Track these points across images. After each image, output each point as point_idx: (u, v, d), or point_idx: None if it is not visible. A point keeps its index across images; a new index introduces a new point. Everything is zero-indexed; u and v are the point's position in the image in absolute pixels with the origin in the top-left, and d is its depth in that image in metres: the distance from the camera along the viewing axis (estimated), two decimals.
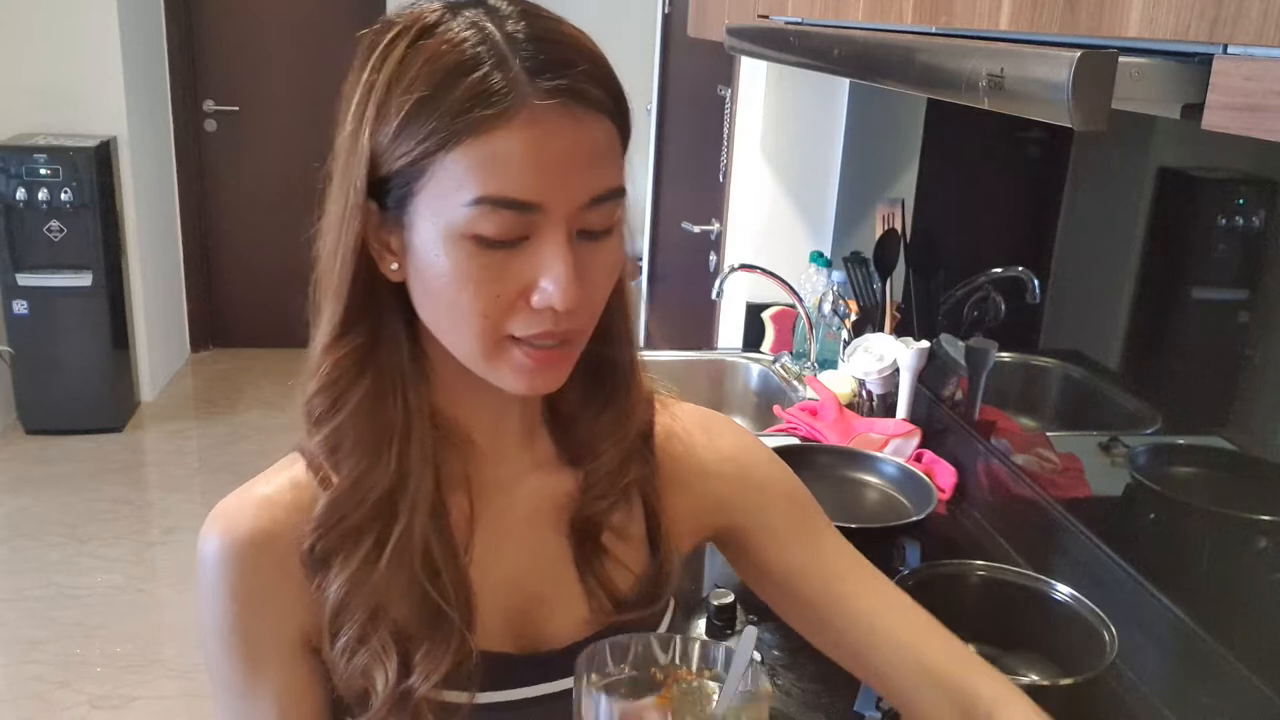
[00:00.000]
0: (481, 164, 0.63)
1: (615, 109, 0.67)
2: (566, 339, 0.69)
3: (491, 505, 0.78)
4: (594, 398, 0.79)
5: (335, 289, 0.70)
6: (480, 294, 0.66)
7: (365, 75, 0.66)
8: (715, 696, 0.67)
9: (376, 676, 0.72)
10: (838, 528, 0.88)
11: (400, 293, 0.71)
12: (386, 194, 0.67)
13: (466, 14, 0.66)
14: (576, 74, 0.64)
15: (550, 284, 0.65)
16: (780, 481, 0.89)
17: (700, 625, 1.31)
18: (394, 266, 0.70)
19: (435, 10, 0.67)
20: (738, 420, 2.30)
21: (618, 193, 0.68)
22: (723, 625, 1.29)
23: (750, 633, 0.69)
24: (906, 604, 0.85)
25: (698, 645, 0.71)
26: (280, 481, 0.75)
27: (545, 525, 0.80)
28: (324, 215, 0.71)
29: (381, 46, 0.66)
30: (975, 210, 1.89)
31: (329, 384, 0.72)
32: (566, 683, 0.73)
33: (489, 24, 0.65)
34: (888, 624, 0.83)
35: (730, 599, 1.30)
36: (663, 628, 0.83)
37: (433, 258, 0.66)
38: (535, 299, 0.66)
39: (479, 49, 0.64)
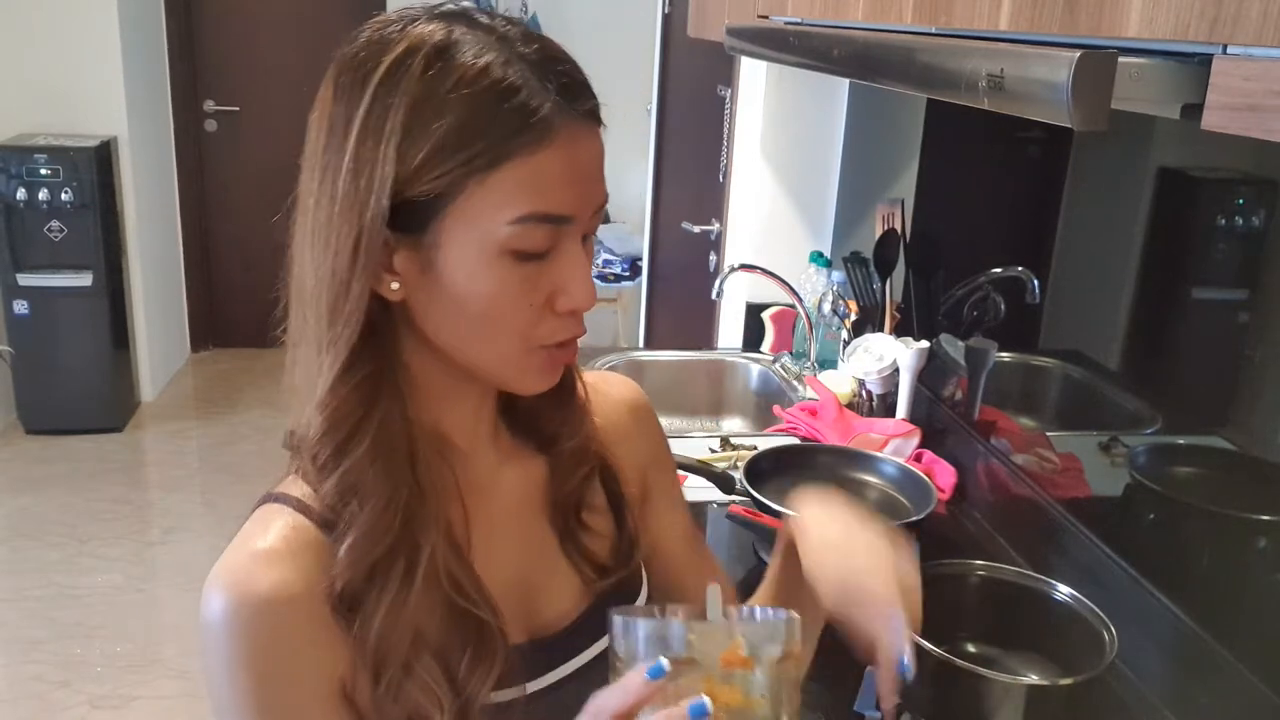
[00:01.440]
0: (526, 183, 0.66)
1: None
2: (579, 336, 0.73)
3: (479, 504, 0.79)
4: (554, 394, 0.80)
5: (346, 317, 0.68)
6: (517, 305, 0.69)
7: (369, 97, 0.65)
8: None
9: (429, 704, 0.69)
10: None
11: (388, 312, 0.71)
12: (399, 215, 0.66)
13: (473, 32, 0.67)
14: (592, 94, 0.69)
15: (577, 287, 0.69)
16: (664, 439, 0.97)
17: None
18: (394, 286, 0.69)
19: (436, 28, 0.67)
20: (738, 421, 2.30)
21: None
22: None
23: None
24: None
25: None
26: (277, 531, 0.71)
27: (528, 513, 0.82)
28: (306, 242, 0.70)
29: (386, 66, 0.65)
30: (975, 210, 1.88)
31: (338, 422, 0.69)
32: (579, 661, 0.79)
33: (502, 44, 0.66)
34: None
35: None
36: (644, 588, 0.86)
37: (465, 275, 0.67)
38: (561, 302, 0.69)
39: (507, 70, 0.65)
